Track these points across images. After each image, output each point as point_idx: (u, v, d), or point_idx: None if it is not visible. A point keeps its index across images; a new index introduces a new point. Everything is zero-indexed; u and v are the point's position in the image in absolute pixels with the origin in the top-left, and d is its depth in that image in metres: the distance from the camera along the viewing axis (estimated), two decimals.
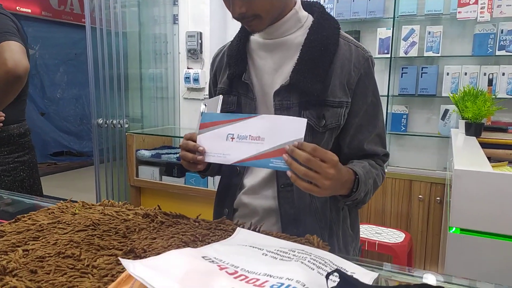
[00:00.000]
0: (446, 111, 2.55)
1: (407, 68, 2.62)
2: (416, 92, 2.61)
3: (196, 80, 3.04)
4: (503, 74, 2.38)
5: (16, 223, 0.91)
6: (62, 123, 6.93)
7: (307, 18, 1.00)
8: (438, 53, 2.51)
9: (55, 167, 6.48)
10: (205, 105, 0.99)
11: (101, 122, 2.85)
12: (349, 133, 0.99)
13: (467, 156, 1.48)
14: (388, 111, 2.67)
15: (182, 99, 3.21)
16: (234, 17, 0.92)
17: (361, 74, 0.96)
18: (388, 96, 2.64)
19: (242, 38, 1.04)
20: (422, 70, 2.58)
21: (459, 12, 2.35)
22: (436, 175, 2.51)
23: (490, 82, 2.36)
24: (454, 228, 1.31)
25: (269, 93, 0.99)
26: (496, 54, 2.37)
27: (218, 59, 1.11)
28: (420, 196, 2.54)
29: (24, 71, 1.48)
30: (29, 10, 6.20)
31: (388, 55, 2.61)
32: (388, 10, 2.64)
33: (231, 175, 1.07)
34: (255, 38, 1.02)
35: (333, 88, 0.94)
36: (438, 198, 2.49)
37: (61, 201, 1.09)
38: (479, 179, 1.24)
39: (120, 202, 1.07)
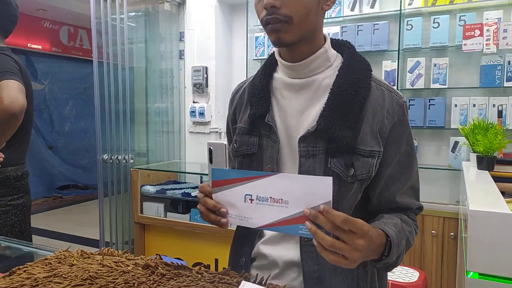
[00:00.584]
0: (456, 143, 2.50)
1: (414, 100, 2.59)
2: (424, 124, 2.57)
3: (201, 114, 3.04)
4: None
5: (11, 277, 0.87)
6: (69, 156, 6.96)
7: (336, 58, 0.94)
8: (445, 84, 2.49)
9: (61, 201, 6.46)
10: (210, 148, 0.95)
11: (106, 157, 2.83)
12: (379, 184, 0.91)
13: (481, 195, 1.42)
14: None
15: (188, 133, 3.20)
16: (262, 16, 0.86)
17: (394, 122, 0.88)
18: None
19: (266, 76, 0.98)
20: (429, 102, 2.55)
21: (464, 44, 2.34)
22: (448, 209, 2.43)
23: (500, 114, 2.32)
24: (472, 273, 1.23)
25: (293, 136, 0.92)
26: (505, 85, 2.33)
27: (238, 96, 1.05)
28: (433, 231, 2.45)
29: (20, 109, 1.48)
30: (40, 47, 6.37)
31: (395, 88, 2.58)
32: (392, 43, 2.65)
33: None
34: (280, 76, 0.97)
35: (363, 136, 0.87)
36: (452, 233, 2.40)
37: (59, 250, 1.05)
38: (496, 220, 1.18)
39: (119, 251, 1.02)
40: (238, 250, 1.02)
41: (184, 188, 2.69)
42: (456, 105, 2.49)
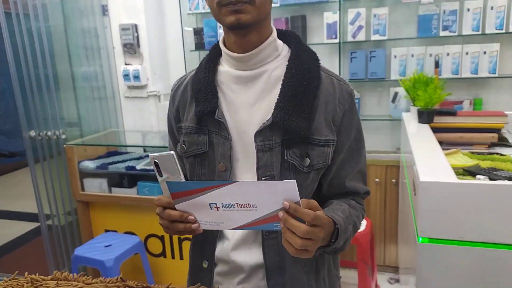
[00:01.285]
0: (396, 94, 2.56)
1: (356, 52, 2.58)
2: (366, 76, 2.59)
3: (136, 77, 2.81)
4: (448, 54, 2.41)
5: None
6: None
7: (282, 47, 0.93)
8: (385, 35, 2.49)
9: None
10: (155, 162, 0.84)
11: (34, 134, 2.56)
12: (331, 170, 0.93)
13: (429, 161, 1.48)
14: None
15: (124, 98, 2.97)
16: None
17: (345, 110, 0.91)
18: None
19: (211, 70, 0.93)
20: (370, 54, 2.55)
21: None
22: (390, 158, 2.55)
23: (436, 64, 2.39)
24: (422, 238, 1.31)
25: (245, 130, 0.90)
26: (440, 35, 2.38)
27: (180, 92, 1.00)
28: (376, 179, 2.58)
29: None
30: None
31: (337, 40, 2.55)
32: None
33: None
34: (227, 69, 0.93)
35: (318, 126, 0.88)
36: (393, 180, 2.55)
37: (4, 279, 0.93)
38: (444, 189, 1.23)
39: (75, 275, 0.93)
40: (199, 252, 0.99)
41: (127, 161, 2.54)
42: (395, 56, 2.52)
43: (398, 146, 2.67)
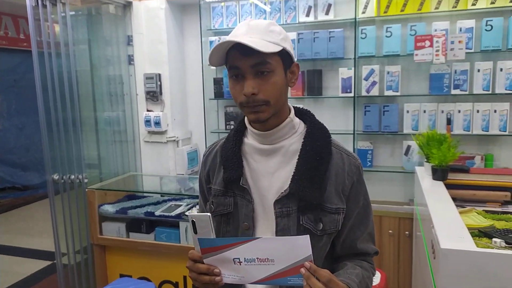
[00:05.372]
0: (409, 147, 2.64)
1: (369, 106, 2.68)
2: (379, 129, 2.68)
3: (157, 123, 2.93)
4: (459, 111, 2.50)
5: None
6: (5, 156, 6.40)
7: (299, 125, 1.07)
8: (398, 91, 2.60)
9: None
10: (193, 221, 0.95)
11: (57, 178, 2.64)
12: (343, 233, 1.05)
13: (447, 224, 1.53)
14: (354, 147, 2.73)
15: (143, 143, 3.07)
16: (240, 101, 0.96)
17: (354, 181, 1.04)
18: (354, 133, 2.70)
19: (237, 142, 1.08)
20: (383, 108, 2.65)
21: (416, 54, 2.43)
22: (404, 210, 2.59)
23: (448, 121, 2.48)
24: None
25: (265, 195, 1.03)
26: (452, 93, 2.48)
27: (211, 159, 1.15)
28: (390, 231, 2.61)
29: None
30: None
31: (351, 94, 2.66)
32: (347, 50, 2.69)
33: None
34: (251, 142, 1.07)
35: (329, 195, 1.00)
36: (407, 232, 2.58)
37: None
38: (466, 257, 1.28)
39: None
40: None
41: (145, 206, 2.60)
42: (408, 111, 2.61)
43: (411, 198, 2.72)
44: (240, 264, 0.89)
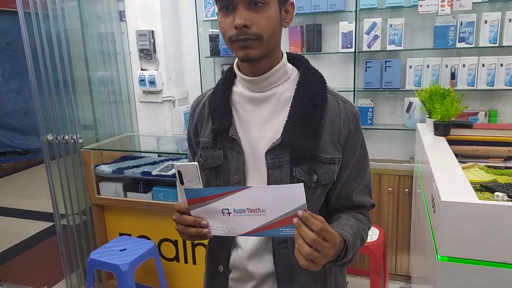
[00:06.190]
0: (411, 103, 2.57)
1: (370, 62, 2.59)
2: (381, 86, 2.60)
3: (152, 82, 2.84)
4: (464, 65, 2.41)
5: None
6: (3, 120, 6.36)
7: (292, 71, 1.00)
8: (401, 46, 2.49)
9: None
10: (179, 170, 0.91)
11: (51, 138, 2.60)
12: (338, 185, 1.00)
13: (448, 178, 1.49)
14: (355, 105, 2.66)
15: (138, 103, 3.00)
16: (230, 35, 0.88)
17: (350, 130, 0.98)
18: (354, 91, 2.62)
19: (226, 90, 1.02)
20: (385, 63, 2.56)
21: (420, 5, 2.31)
22: (403, 168, 2.56)
23: (452, 76, 2.39)
24: (441, 257, 1.32)
25: (256, 147, 0.98)
26: (457, 46, 2.38)
27: (199, 110, 1.09)
28: (389, 189, 2.59)
29: None
30: None
31: (352, 50, 2.56)
32: (348, 2, 2.56)
33: None
34: (240, 90, 1.01)
35: (324, 144, 0.95)
36: (406, 190, 2.56)
37: None
38: (466, 209, 1.24)
39: None
40: (215, 257, 1.06)
41: (142, 165, 2.57)
42: (411, 67, 2.52)
43: (412, 156, 2.68)
44: (229, 216, 0.84)
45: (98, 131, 2.92)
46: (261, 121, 0.97)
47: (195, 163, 0.90)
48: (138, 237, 2.56)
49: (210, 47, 2.86)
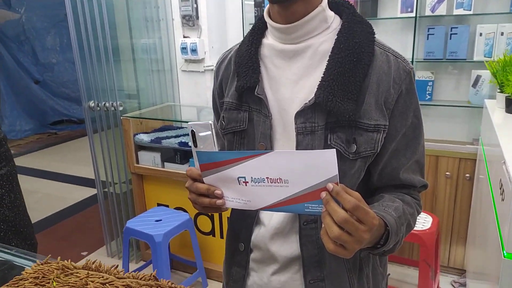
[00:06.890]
0: (478, 77, 2.25)
1: (433, 28, 2.29)
2: (444, 56, 2.30)
3: (194, 50, 2.73)
4: None
5: None
6: (60, 90, 6.64)
7: (333, 19, 0.83)
8: (470, 10, 2.17)
9: (56, 137, 6.31)
10: (192, 131, 0.79)
11: (92, 105, 2.59)
12: (382, 159, 0.83)
13: None
14: None
15: (180, 72, 2.92)
16: None
17: (401, 91, 0.79)
18: (412, 61, 2.34)
19: (254, 43, 0.86)
20: (451, 30, 2.25)
21: None
22: (465, 150, 2.27)
23: None
24: (508, 254, 1.10)
25: (287, 109, 0.82)
26: None
27: (224, 67, 0.94)
28: (447, 173, 2.32)
29: None
30: None
31: (413, 14, 2.27)
32: None
33: None
34: (271, 42, 0.85)
35: (367, 108, 0.78)
36: (467, 175, 2.27)
37: (38, 262, 0.89)
38: None
39: (107, 266, 0.86)
40: (235, 235, 0.95)
41: (180, 136, 2.49)
42: (481, 34, 2.20)
43: (476, 137, 2.37)
44: (246, 185, 0.70)
45: (141, 100, 2.89)
46: (293, 78, 0.82)
47: (210, 121, 0.77)
48: (175, 208, 2.52)
49: (255, 13, 2.69)
